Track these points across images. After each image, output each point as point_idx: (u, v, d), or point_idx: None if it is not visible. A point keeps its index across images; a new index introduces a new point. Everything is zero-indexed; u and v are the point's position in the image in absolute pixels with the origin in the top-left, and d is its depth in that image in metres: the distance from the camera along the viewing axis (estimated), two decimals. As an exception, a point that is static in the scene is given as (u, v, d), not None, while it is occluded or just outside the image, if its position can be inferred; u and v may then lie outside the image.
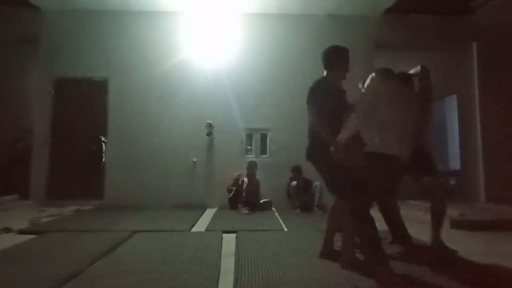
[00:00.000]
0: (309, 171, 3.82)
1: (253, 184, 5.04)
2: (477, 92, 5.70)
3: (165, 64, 5.53)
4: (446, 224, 3.57)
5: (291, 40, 5.67)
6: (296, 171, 5.05)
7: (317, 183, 4.81)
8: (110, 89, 5.56)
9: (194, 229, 3.67)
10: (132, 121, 5.49)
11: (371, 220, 2.01)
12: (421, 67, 2.44)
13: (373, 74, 2.20)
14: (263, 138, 5.67)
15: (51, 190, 5.33)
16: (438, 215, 2.43)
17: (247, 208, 4.73)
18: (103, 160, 5.51)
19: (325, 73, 2.42)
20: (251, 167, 5.13)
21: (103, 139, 5.56)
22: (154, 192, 5.30)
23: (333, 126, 2.20)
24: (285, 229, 3.63)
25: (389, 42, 5.79)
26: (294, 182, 5.02)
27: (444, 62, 6.14)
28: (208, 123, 5.46)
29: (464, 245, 2.84)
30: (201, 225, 3.85)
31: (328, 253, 2.41)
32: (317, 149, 2.31)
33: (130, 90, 5.52)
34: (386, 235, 2.75)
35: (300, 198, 4.91)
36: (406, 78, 2.35)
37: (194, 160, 5.48)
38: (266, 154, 5.64)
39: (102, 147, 5.55)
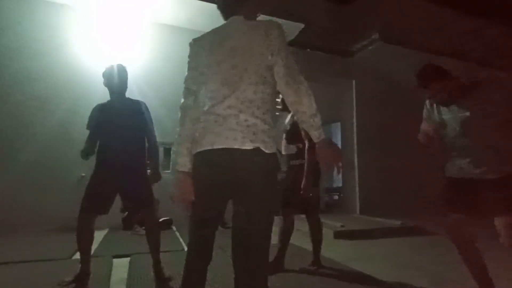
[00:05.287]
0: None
1: (152, 201, 4.68)
2: (354, 120, 6.83)
3: (45, 61, 4.72)
4: (330, 234, 4.09)
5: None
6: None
7: None
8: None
9: (76, 256, 3.14)
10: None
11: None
12: None
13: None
14: (167, 152, 5.39)
15: None
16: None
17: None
18: None
19: None
20: None
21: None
22: (24, 213, 4.32)
23: None
24: (186, 249, 3.47)
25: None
26: (197, 199, 4.90)
27: (330, 94, 7.16)
28: (102, 133, 4.87)
29: (344, 252, 3.29)
30: (85, 251, 3.32)
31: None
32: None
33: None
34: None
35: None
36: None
37: (83, 174, 4.74)
38: (168, 170, 5.37)
39: None
